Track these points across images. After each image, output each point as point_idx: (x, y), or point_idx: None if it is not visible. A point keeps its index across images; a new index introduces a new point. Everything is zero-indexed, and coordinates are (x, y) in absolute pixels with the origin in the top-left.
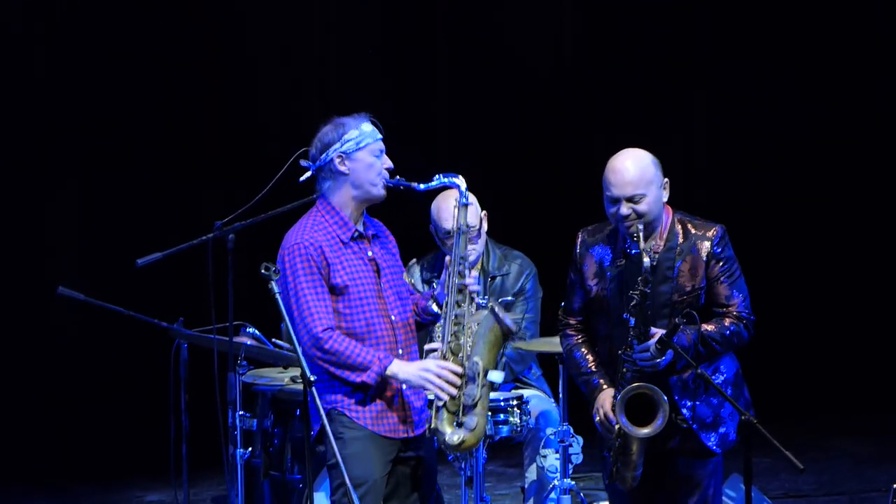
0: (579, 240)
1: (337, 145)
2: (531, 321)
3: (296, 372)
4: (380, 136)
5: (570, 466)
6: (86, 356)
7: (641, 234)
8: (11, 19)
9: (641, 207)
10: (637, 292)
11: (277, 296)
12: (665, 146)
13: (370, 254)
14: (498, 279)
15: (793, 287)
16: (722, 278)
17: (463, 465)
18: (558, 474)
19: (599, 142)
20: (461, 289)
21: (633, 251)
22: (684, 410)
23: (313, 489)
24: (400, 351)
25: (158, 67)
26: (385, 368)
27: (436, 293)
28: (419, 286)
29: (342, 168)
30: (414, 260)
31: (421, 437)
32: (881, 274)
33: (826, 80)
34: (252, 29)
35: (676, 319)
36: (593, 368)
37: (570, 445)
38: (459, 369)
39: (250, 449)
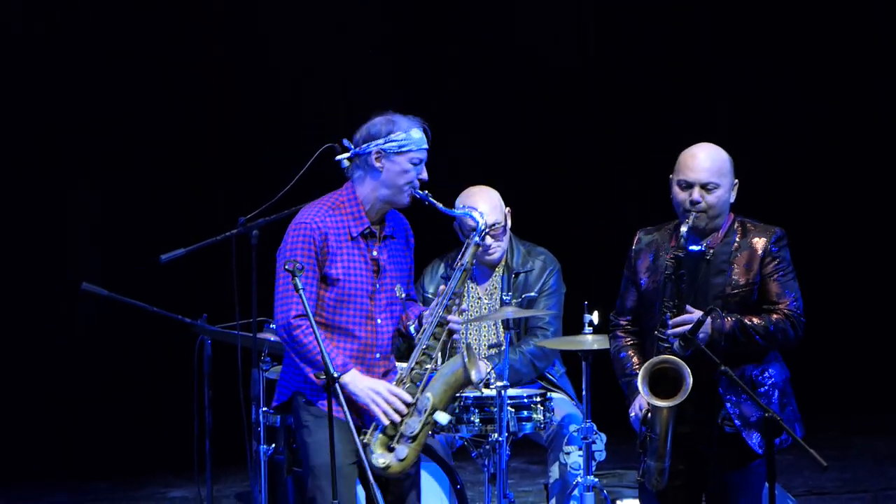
0: (637, 237)
1: (380, 141)
2: (554, 317)
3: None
4: (425, 145)
5: (594, 464)
6: (105, 353)
7: (690, 222)
8: (11, 19)
9: (711, 198)
10: (672, 258)
11: (301, 291)
12: (664, 146)
13: (374, 253)
14: (521, 276)
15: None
16: (776, 276)
17: (486, 462)
18: (581, 471)
19: (599, 142)
20: (442, 323)
21: (690, 248)
22: (728, 405)
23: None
24: (377, 354)
25: (158, 67)
26: (339, 376)
27: (424, 313)
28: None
29: (377, 164)
30: (437, 259)
31: None
32: (886, 272)
33: (826, 80)
34: (252, 29)
35: (700, 316)
36: (637, 371)
37: (594, 442)
38: (409, 399)
39: (274, 445)
